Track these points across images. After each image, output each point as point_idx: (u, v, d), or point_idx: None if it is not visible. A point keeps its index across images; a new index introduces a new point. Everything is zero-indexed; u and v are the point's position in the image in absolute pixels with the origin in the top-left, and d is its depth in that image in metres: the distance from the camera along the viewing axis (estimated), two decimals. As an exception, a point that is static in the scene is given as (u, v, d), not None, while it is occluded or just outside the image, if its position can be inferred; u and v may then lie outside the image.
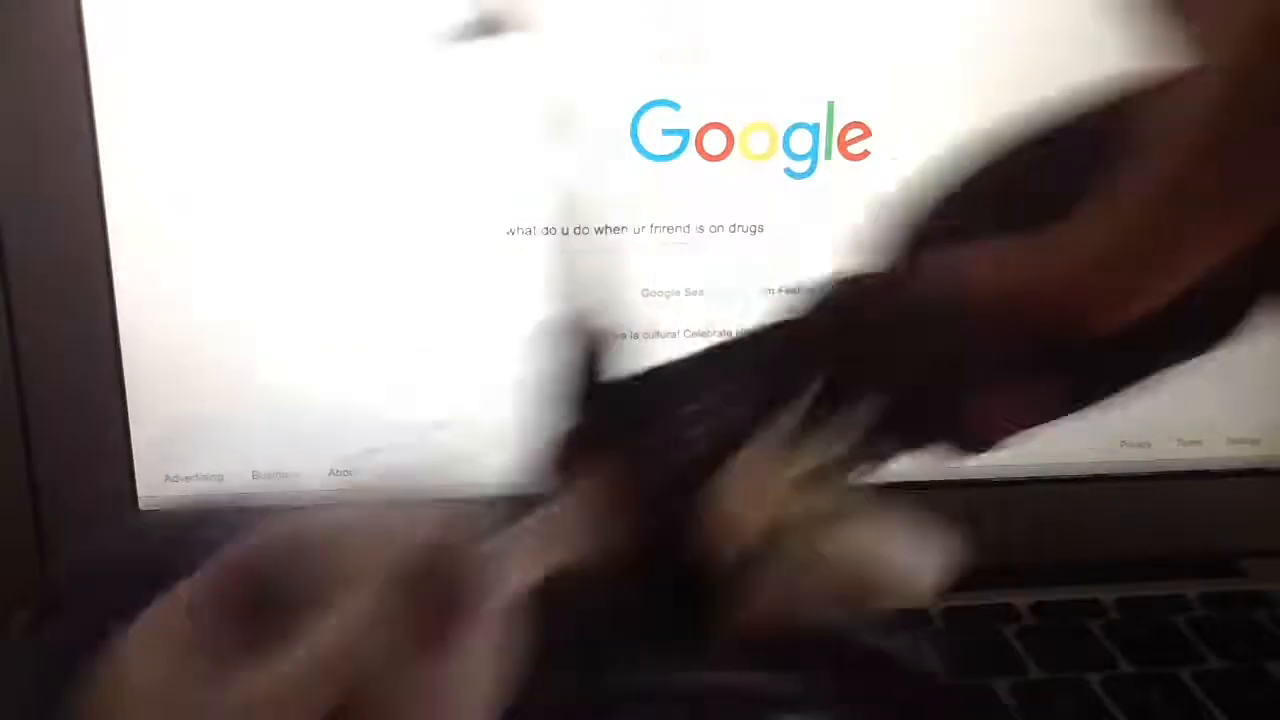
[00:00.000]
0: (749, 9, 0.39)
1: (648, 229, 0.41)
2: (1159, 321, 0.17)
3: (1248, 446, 0.46)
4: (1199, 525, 0.46)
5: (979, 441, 0.20)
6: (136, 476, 0.41)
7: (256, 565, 0.15)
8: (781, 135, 0.41)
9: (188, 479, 0.41)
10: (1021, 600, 0.43)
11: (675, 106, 0.40)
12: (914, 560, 0.18)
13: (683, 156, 0.40)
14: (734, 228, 0.41)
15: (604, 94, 0.39)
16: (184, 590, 0.15)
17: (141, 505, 0.41)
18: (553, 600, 0.17)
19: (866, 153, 0.41)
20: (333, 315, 0.41)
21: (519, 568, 0.17)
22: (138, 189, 0.39)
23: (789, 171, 0.41)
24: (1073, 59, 0.35)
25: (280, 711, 0.14)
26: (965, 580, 0.47)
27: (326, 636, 0.14)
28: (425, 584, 0.15)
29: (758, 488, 0.18)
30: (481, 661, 0.15)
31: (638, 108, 0.40)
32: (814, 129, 0.41)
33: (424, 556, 0.15)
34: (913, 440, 0.20)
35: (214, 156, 0.39)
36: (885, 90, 0.41)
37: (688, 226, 0.41)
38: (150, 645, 0.15)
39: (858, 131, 0.41)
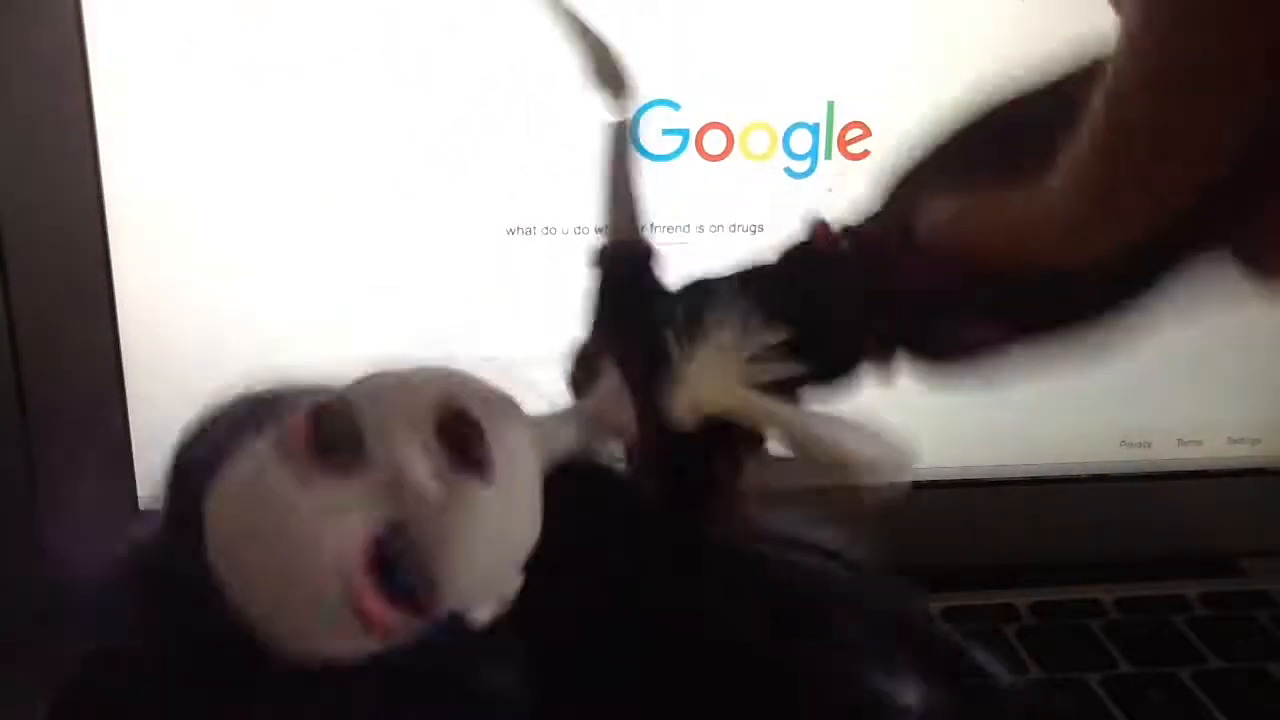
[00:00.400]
0: (750, 8, 0.39)
1: (647, 229, 0.41)
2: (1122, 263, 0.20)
3: (1248, 446, 0.46)
4: (1199, 525, 0.46)
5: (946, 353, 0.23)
6: (136, 476, 0.41)
7: (320, 414, 0.18)
8: (781, 135, 0.41)
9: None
10: (1021, 600, 0.43)
11: (675, 106, 0.40)
12: (873, 442, 0.21)
13: (683, 156, 0.40)
14: (734, 228, 0.41)
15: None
16: (266, 439, 0.18)
17: (141, 505, 0.41)
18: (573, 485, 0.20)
19: (866, 152, 0.41)
20: (334, 316, 0.41)
21: (543, 440, 0.20)
22: (138, 189, 0.39)
23: (789, 171, 0.41)
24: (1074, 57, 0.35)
25: (348, 518, 0.17)
26: (966, 580, 0.47)
27: (382, 463, 0.18)
28: (462, 423, 0.19)
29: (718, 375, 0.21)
30: (514, 499, 0.19)
31: (638, 107, 0.40)
32: (814, 129, 0.41)
33: (460, 399, 0.19)
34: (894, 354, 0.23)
35: (214, 156, 0.39)
36: (885, 90, 0.41)
37: (688, 226, 0.41)
38: (243, 486, 0.18)
39: (858, 131, 0.41)
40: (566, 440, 0.21)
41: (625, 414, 0.22)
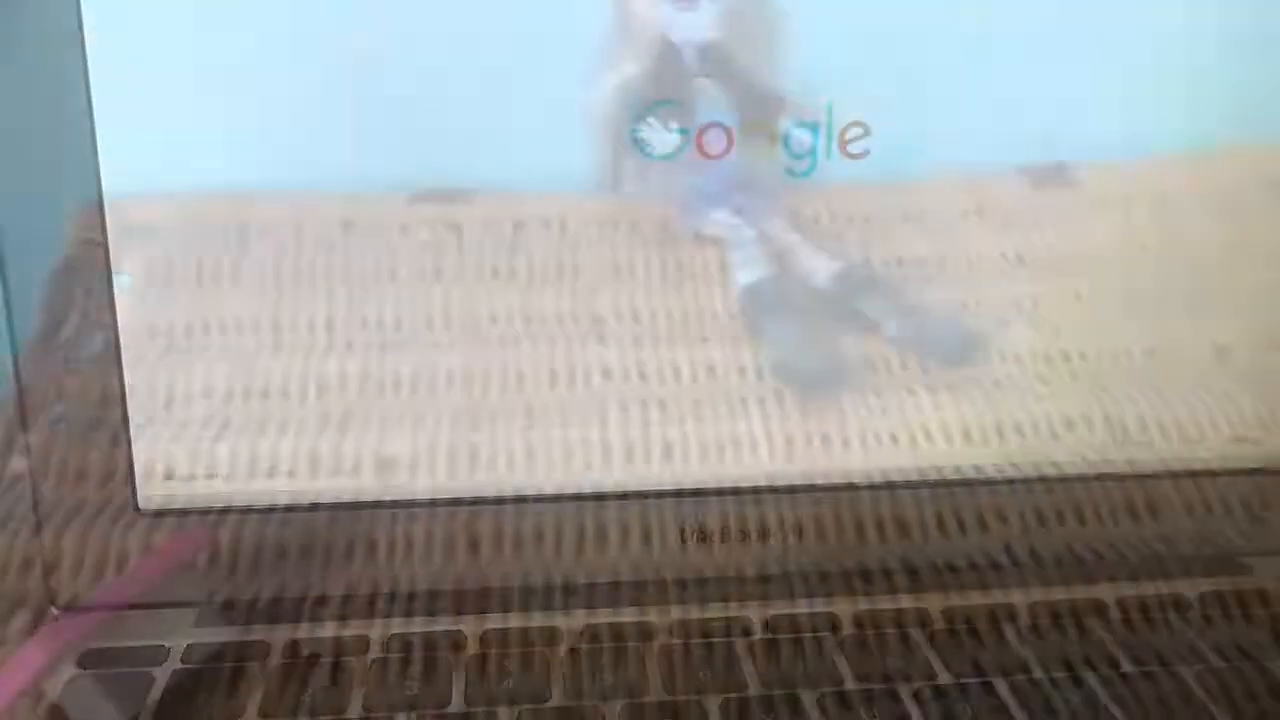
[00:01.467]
0: (750, 7, 0.39)
1: (648, 229, 0.41)
2: None
3: (1248, 446, 0.46)
4: (1199, 525, 0.46)
5: None
6: (136, 476, 0.41)
7: None
8: (781, 135, 0.41)
9: (188, 478, 0.41)
10: (1022, 600, 0.43)
11: (675, 105, 0.40)
12: None
13: (684, 155, 0.40)
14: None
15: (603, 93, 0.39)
16: None
17: (141, 506, 0.41)
18: None
19: (866, 152, 0.41)
20: (332, 315, 0.41)
21: None
22: (138, 188, 0.39)
23: (789, 171, 0.41)
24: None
25: None
26: (966, 579, 0.47)
27: None
28: None
29: None
30: None
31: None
32: (814, 129, 0.41)
33: None
34: None
35: (214, 155, 0.39)
36: (885, 90, 0.41)
37: (688, 226, 0.41)
38: None
39: (858, 131, 0.41)
40: None
41: None
